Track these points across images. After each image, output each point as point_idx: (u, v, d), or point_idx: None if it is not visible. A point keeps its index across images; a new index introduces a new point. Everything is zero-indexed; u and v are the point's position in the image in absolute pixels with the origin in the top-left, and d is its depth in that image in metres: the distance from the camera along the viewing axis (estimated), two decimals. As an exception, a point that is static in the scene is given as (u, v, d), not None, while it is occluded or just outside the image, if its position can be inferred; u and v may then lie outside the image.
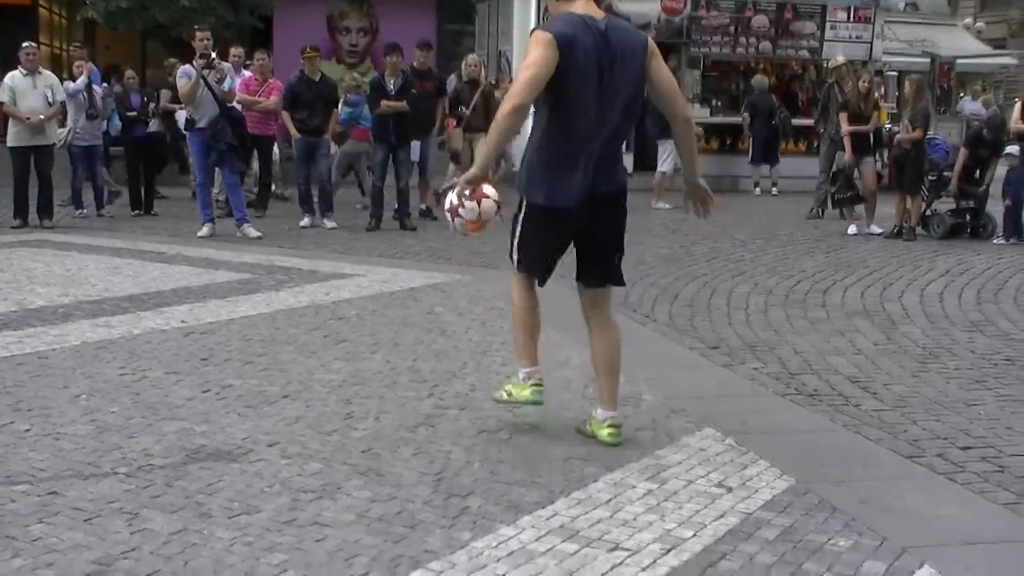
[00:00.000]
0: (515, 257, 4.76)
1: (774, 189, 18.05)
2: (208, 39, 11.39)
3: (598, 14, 4.56)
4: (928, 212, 12.87)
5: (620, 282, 4.89)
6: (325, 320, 7.26)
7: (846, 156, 13.05)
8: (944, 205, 13.00)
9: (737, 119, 18.68)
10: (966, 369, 6.34)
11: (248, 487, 4.06)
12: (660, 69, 4.61)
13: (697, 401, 5.47)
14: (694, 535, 3.71)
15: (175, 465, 4.29)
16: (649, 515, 3.88)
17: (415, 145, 13.10)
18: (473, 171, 4.53)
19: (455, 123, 13.99)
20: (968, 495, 4.26)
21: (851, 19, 19.45)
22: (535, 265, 4.77)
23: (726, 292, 8.77)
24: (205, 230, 11.46)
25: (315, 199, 12.80)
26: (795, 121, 18.33)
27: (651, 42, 4.64)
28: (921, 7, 29.93)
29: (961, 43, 31.59)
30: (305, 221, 12.61)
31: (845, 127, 13.06)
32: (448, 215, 4.65)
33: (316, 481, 4.14)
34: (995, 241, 12.29)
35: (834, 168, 13.64)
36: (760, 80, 18.25)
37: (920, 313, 8.06)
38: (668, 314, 7.85)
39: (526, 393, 4.76)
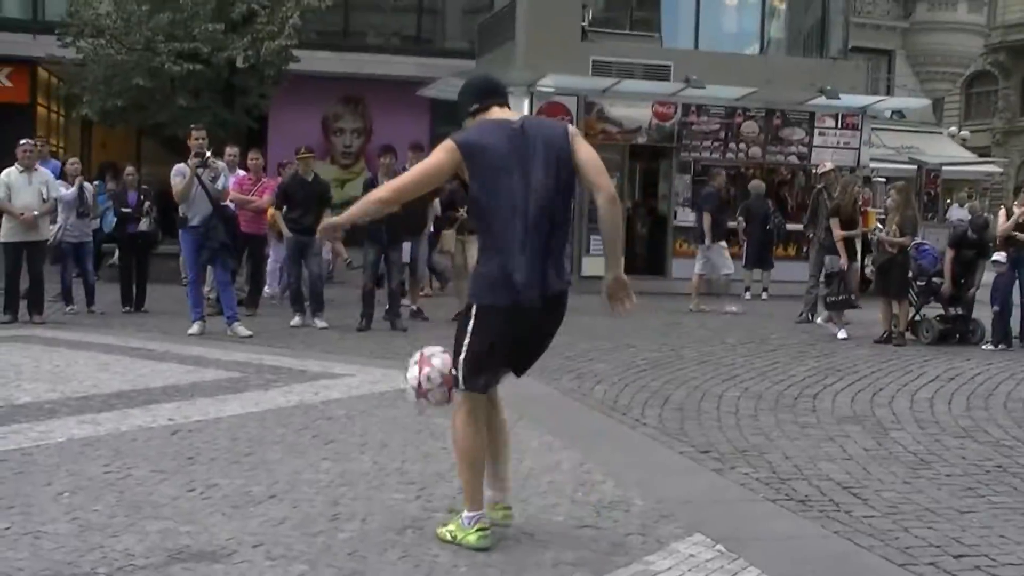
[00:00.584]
0: (460, 374, 4.55)
1: (764, 294, 18.15)
2: (203, 138, 11.51)
3: (513, 116, 4.64)
4: (917, 317, 12.93)
5: (526, 370, 4.84)
6: (314, 420, 7.21)
7: (841, 261, 13.14)
8: (932, 311, 13.05)
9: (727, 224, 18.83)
10: (958, 476, 6.30)
11: (231, 590, 4.00)
12: (581, 148, 4.54)
13: (687, 506, 5.42)
14: (684, 644, 3.65)
15: (157, 566, 4.23)
16: (639, 623, 3.82)
17: (406, 246, 13.19)
18: (332, 220, 4.88)
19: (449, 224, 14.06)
20: (962, 605, 4.20)
21: (839, 126, 19.78)
22: (482, 376, 4.56)
23: (716, 396, 8.74)
24: (195, 328, 11.45)
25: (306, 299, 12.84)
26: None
27: (571, 127, 4.68)
28: (907, 115, 30.46)
29: (947, 151, 32.16)
30: (296, 320, 12.61)
31: (838, 232, 13.19)
32: (413, 391, 4.73)
33: (300, 584, 4.08)
34: (984, 347, 12.32)
35: (827, 271, 13.71)
36: (757, 185, 18.47)
37: (911, 419, 8.03)
38: (658, 417, 7.81)
39: (471, 539, 4.51)
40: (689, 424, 7.61)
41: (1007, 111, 46.38)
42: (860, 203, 17.59)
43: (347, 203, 18.42)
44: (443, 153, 4.46)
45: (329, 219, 4.62)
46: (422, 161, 4.56)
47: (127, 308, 13.50)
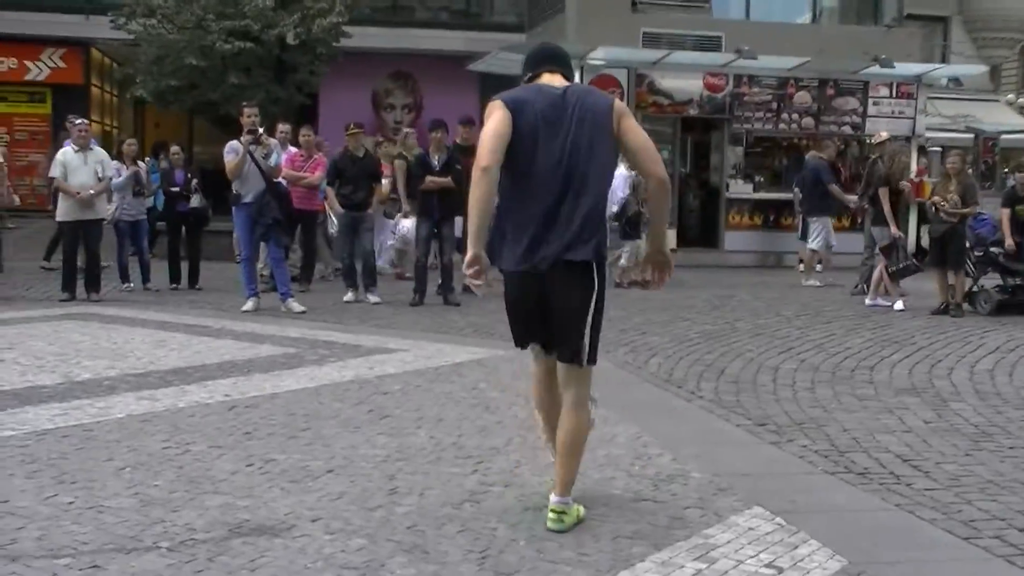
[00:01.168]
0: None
1: (819, 266, 17.94)
2: (256, 115, 11.56)
3: (558, 82, 4.58)
4: (975, 289, 12.73)
5: (579, 360, 4.51)
6: (369, 395, 7.24)
7: (892, 230, 12.95)
8: (990, 281, 12.85)
9: (780, 195, 18.67)
10: (1021, 448, 6.20)
11: (291, 563, 4.02)
12: (630, 129, 4.48)
13: (745, 479, 5.37)
14: (746, 617, 3.62)
15: (218, 540, 4.26)
16: (699, 596, 3.80)
17: (459, 221, 13.17)
18: (471, 253, 4.38)
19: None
20: (1028, 579, 4.14)
21: (894, 95, 19.48)
22: (515, 336, 4.70)
23: (772, 369, 8.67)
24: (249, 304, 11.53)
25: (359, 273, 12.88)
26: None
27: (618, 103, 4.57)
28: (964, 83, 29.92)
29: (1004, 119, 31.53)
30: (349, 296, 12.65)
31: (886, 202, 13.01)
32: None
33: (360, 558, 4.09)
34: None
35: (880, 244, 13.52)
36: (814, 156, 18.18)
37: (971, 391, 7.91)
38: (714, 390, 7.75)
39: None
40: (745, 396, 7.55)
41: (1066, 77, 45.40)
42: (915, 172, 17.41)
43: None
44: (498, 111, 4.40)
45: (469, 254, 4.42)
46: (486, 128, 4.43)
47: (174, 286, 13.61)
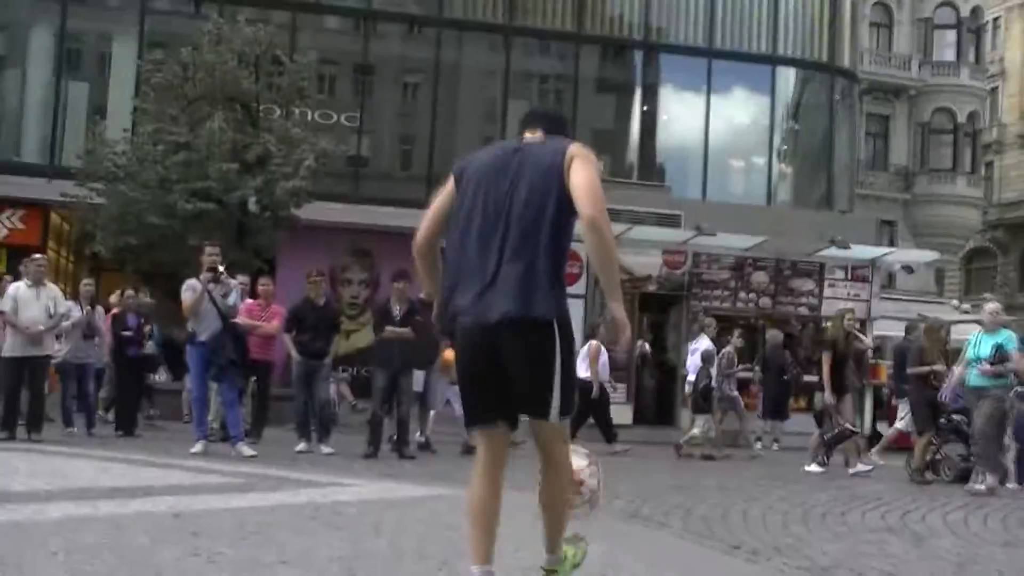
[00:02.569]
0: None
1: (775, 445, 17.77)
2: (217, 254, 11.41)
3: (530, 137, 4.44)
4: (938, 456, 12.60)
5: (544, 415, 4.16)
6: (324, 514, 6.86)
7: (826, 396, 12.82)
8: (954, 448, 12.73)
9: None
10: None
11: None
12: (574, 170, 4.16)
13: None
14: None
15: (161, 607, 3.89)
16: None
17: (419, 375, 12.96)
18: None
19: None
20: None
21: (848, 278, 19.74)
22: (467, 413, 4.31)
23: (740, 512, 8.37)
24: (199, 447, 11.10)
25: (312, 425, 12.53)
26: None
27: (574, 147, 4.25)
28: (910, 281, 30.54)
29: (950, 319, 32.08)
30: (301, 446, 12.26)
31: (826, 367, 12.87)
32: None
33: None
34: (1009, 486, 11.93)
35: (815, 408, 13.42)
36: (775, 335, 18.21)
37: (947, 533, 7.67)
38: (683, 522, 7.45)
39: None
40: (716, 526, 7.25)
41: (1006, 287, 46.56)
42: (868, 351, 17.47)
43: (351, 354, 18.28)
44: (445, 186, 4.42)
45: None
46: None
47: (120, 432, 13.15)
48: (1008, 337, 11.42)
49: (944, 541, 7.12)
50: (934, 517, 8.52)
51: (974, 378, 11.48)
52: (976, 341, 11.61)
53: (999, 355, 11.21)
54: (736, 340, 16.61)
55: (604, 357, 15.17)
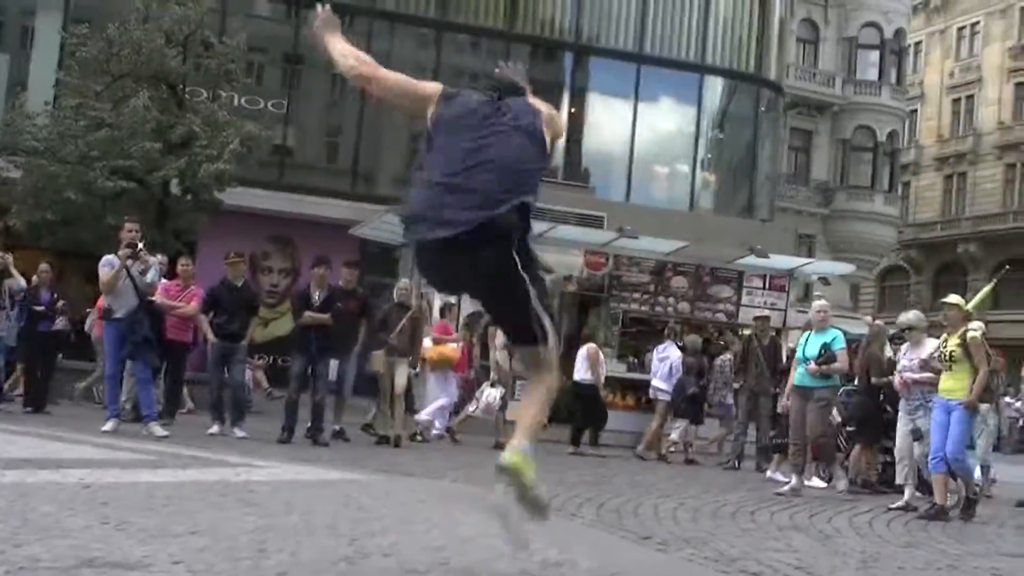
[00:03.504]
0: None
1: (689, 450, 17.90)
2: (136, 231, 11.23)
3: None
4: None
5: (532, 340, 4.31)
6: (236, 491, 6.79)
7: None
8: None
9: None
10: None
11: (150, 587, 3.61)
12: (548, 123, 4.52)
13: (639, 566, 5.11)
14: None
15: (66, 568, 3.82)
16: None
17: (334, 363, 12.88)
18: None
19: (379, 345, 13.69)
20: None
21: (766, 287, 19.97)
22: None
23: (652, 507, 8.45)
24: (110, 425, 10.92)
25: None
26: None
27: (545, 107, 4.59)
28: (826, 294, 30.98)
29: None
30: (214, 429, 12.14)
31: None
32: None
33: (227, 589, 3.70)
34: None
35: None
36: (693, 340, 18.32)
37: (852, 533, 7.82)
38: (596, 514, 7.50)
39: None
40: (627, 519, 7.32)
41: (918, 305, 47.51)
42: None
43: (269, 342, 18.15)
44: (430, 85, 4.53)
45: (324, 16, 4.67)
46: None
47: (28, 409, 12.90)
48: (836, 337, 11.58)
49: (849, 540, 7.28)
50: (840, 519, 8.69)
51: (800, 377, 11.67)
52: (805, 340, 11.81)
53: (827, 355, 11.40)
54: (735, 347, 16.74)
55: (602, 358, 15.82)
